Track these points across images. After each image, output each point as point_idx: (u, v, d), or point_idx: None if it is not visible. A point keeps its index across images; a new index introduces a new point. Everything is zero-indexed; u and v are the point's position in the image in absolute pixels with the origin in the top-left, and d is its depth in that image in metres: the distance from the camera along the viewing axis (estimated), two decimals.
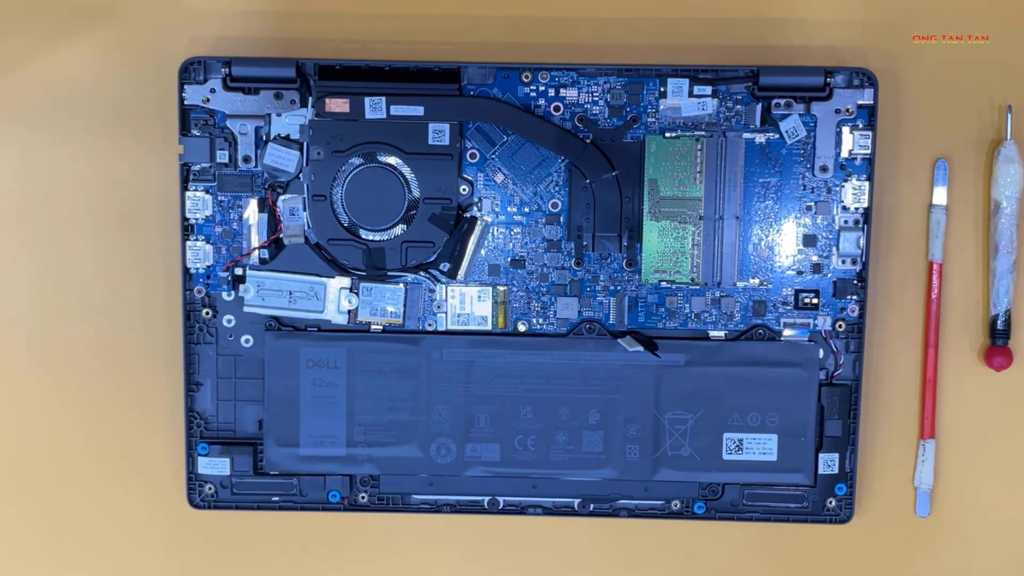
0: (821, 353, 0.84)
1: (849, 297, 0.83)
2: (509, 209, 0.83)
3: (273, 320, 0.84)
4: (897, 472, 0.87)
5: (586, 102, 0.82)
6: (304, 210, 0.83)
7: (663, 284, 0.83)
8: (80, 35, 0.85)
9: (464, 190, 0.83)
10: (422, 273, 0.84)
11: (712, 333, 0.84)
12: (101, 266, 0.86)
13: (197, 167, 0.83)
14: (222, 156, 0.83)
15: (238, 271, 0.84)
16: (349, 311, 0.83)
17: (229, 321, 0.84)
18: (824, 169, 0.82)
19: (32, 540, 0.88)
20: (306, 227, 0.83)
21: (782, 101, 0.82)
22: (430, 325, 0.84)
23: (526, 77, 0.82)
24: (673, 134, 0.82)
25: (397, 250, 0.83)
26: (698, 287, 0.83)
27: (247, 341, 0.84)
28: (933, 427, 0.86)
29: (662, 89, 0.82)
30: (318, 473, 0.85)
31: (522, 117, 0.82)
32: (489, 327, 0.84)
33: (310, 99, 0.82)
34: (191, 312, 0.84)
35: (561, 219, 0.83)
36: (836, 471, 0.84)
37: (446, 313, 0.84)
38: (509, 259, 0.84)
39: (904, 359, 0.86)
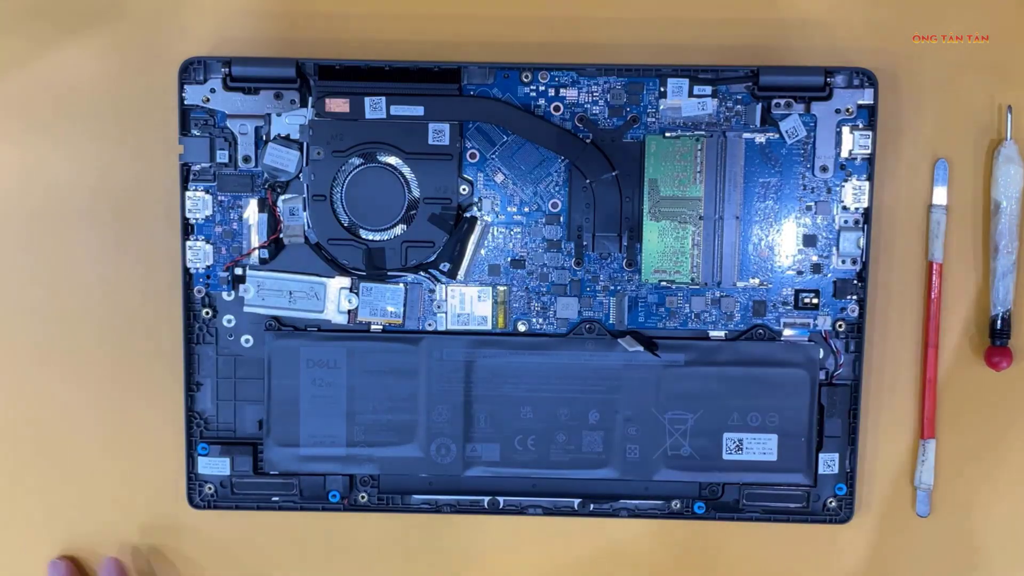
0: (821, 353, 0.84)
1: (849, 297, 0.83)
2: (509, 209, 0.83)
3: (273, 320, 0.84)
4: (897, 472, 0.87)
5: (586, 102, 0.82)
6: (304, 210, 0.83)
7: (663, 284, 0.83)
8: (80, 35, 0.85)
9: (464, 190, 0.83)
10: (422, 273, 0.84)
11: (712, 333, 0.84)
12: (101, 266, 0.86)
13: (197, 167, 0.83)
14: (222, 156, 0.83)
15: (238, 271, 0.84)
16: (349, 311, 0.83)
17: (229, 321, 0.84)
18: (824, 169, 0.82)
19: (32, 539, 0.88)
20: (306, 227, 0.83)
21: (782, 101, 0.82)
22: (430, 325, 0.84)
23: (526, 77, 0.82)
24: (673, 134, 0.82)
25: (397, 250, 0.83)
26: (698, 287, 0.83)
27: (247, 341, 0.84)
28: (933, 427, 0.86)
29: (662, 89, 0.82)
30: (318, 473, 0.85)
31: (522, 117, 0.82)
32: (489, 327, 0.84)
33: (310, 99, 0.82)
34: (191, 312, 0.84)
35: (561, 219, 0.83)
36: (836, 471, 0.84)
37: (446, 313, 0.84)
38: (509, 259, 0.84)
39: (904, 359, 0.86)
